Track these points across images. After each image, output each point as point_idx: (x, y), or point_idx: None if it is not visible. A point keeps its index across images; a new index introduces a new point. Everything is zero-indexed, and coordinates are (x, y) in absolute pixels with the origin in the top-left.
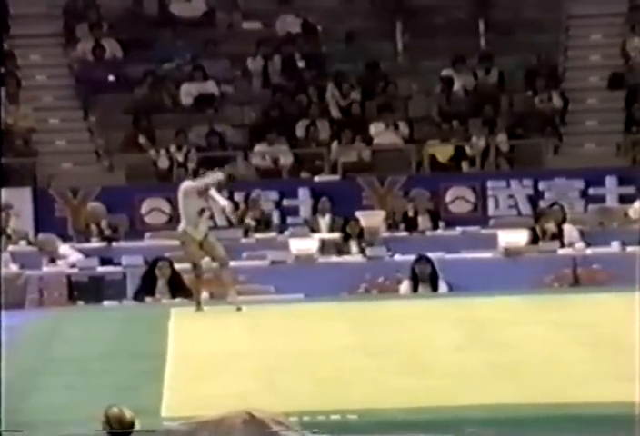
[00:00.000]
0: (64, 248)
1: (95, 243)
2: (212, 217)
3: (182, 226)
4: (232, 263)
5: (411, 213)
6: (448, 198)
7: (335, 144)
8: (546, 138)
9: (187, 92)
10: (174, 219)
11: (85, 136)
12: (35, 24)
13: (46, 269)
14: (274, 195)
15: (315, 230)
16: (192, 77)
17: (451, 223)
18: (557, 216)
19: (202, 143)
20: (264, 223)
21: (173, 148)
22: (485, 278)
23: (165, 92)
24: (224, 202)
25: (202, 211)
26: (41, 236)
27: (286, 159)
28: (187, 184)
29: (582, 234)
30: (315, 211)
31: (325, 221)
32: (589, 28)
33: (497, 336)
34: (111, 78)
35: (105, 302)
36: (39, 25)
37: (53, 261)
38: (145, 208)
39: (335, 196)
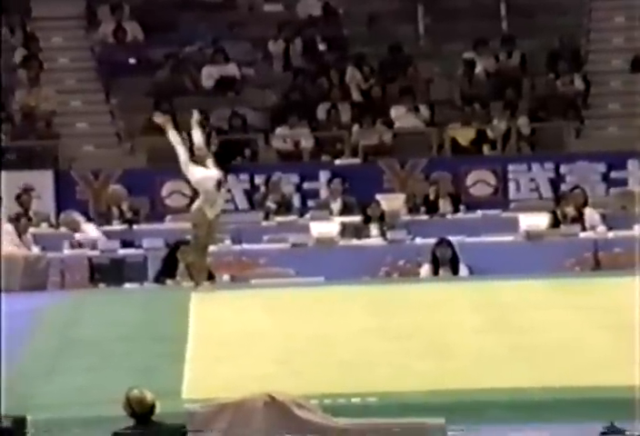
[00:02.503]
0: (86, 226)
1: (117, 226)
2: (232, 200)
3: (198, 203)
4: (252, 246)
5: (432, 197)
6: (469, 181)
7: (355, 127)
8: (568, 121)
9: (209, 75)
10: (194, 201)
11: (107, 119)
12: (57, 6)
13: (68, 251)
14: (294, 178)
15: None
16: (213, 60)
17: (472, 207)
18: (579, 200)
19: (223, 125)
20: (284, 206)
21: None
22: (506, 261)
23: (187, 75)
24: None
25: (219, 184)
26: (63, 215)
27: (307, 142)
28: (193, 169)
29: (603, 218)
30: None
31: (336, 204)
32: (612, 11)
33: (518, 320)
34: (132, 61)
35: (126, 285)
36: (61, 8)
37: (78, 245)
38: (165, 191)
39: (356, 179)
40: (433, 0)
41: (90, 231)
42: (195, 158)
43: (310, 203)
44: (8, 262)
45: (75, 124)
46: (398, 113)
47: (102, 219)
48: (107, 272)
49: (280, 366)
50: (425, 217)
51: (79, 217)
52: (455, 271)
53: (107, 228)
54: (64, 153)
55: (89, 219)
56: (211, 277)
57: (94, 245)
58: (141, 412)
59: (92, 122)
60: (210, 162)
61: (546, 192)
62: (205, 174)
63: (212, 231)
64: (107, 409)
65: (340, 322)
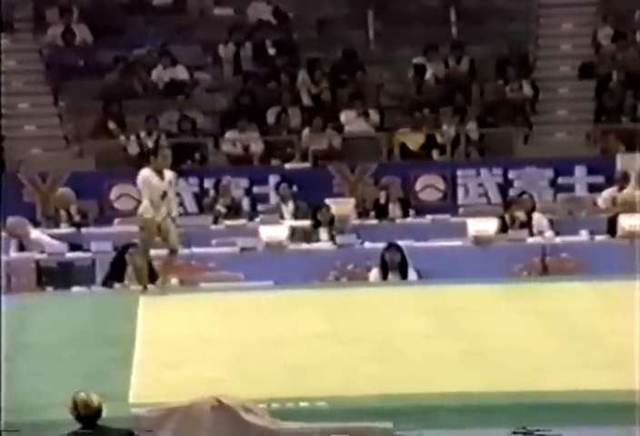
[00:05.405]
0: (35, 233)
1: (64, 229)
2: (181, 204)
3: (142, 209)
4: (201, 250)
5: (383, 201)
6: (418, 186)
7: (305, 132)
8: (517, 127)
9: (158, 78)
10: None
11: (55, 122)
12: (6, 8)
13: (14, 254)
14: (244, 182)
15: (282, 217)
16: (163, 63)
17: (421, 211)
18: (527, 205)
19: (172, 129)
20: (234, 210)
21: (143, 134)
22: (455, 266)
23: (136, 78)
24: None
25: (164, 194)
26: (11, 220)
27: (257, 146)
28: (145, 175)
29: (551, 223)
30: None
31: (288, 209)
32: (560, 17)
33: (467, 324)
34: (81, 64)
35: (74, 288)
36: (9, 10)
37: (22, 249)
38: (114, 194)
39: (306, 184)
40: (383, 5)
41: (42, 240)
42: (155, 165)
43: (260, 207)
44: None
45: (22, 127)
46: (348, 117)
47: (50, 222)
48: (55, 276)
49: (228, 370)
50: (374, 222)
51: (27, 224)
52: (404, 275)
53: (55, 231)
54: (11, 155)
55: (35, 223)
56: (154, 278)
57: (41, 248)
58: (86, 415)
59: (40, 124)
60: (167, 171)
61: (495, 197)
62: (154, 184)
63: (165, 234)
64: (55, 413)
65: (289, 326)
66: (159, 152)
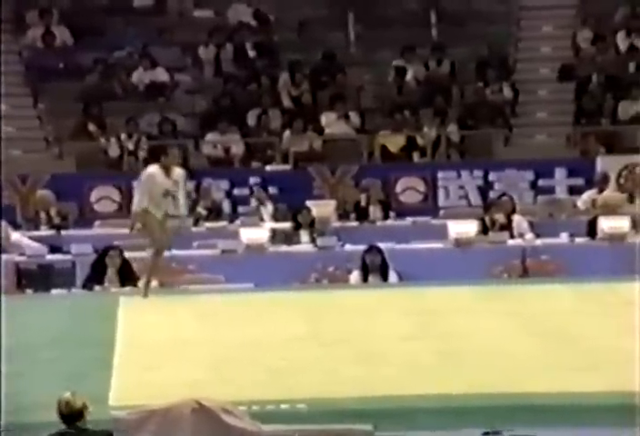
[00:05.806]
0: (15, 236)
1: (44, 231)
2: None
3: (141, 206)
4: (182, 252)
5: (363, 203)
6: (399, 188)
7: (286, 134)
8: (497, 129)
9: (138, 80)
10: (123, 207)
11: (35, 123)
12: None
13: None
14: (225, 184)
15: (261, 219)
16: (143, 65)
17: (401, 214)
18: (507, 207)
19: (153, 131)
20: (214, 212)
21: (123, 136)
22: (435, 268)
23: (116, 79)
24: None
25: (166, 193)
26: None
27: (238, 148)
28: (151, 171)
29: (531, 225)
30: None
31: (267, 211)
32: (540, 20)
33: (447, 326)
34: (61, 65)
35: (54, 291)
36: None
37: (2, 251)
38: (94, 196)
39: (286, 186)
40: (363, 8)
41: (23, 242)
42: (164, 163)
43: (240, 209)
44: None
45: (1, 129)
46: (329, 119)
47: (30, 224)
48: (35, 278)
49: (208, 372)
50: (354, 224)
51: (7, 227)
52: (385, 277)
53: (35, 233)
54: None
55: (15, 225)
56: (134, 280)
57: (21, 251)
58: (67, 414)
59: (19, 126)
60: (176, 169)
61: (475, 199)
62: (158, 181)
63: (164, 232)
64: (35, 415)
65: (269, 328)
66: (168, 150)
